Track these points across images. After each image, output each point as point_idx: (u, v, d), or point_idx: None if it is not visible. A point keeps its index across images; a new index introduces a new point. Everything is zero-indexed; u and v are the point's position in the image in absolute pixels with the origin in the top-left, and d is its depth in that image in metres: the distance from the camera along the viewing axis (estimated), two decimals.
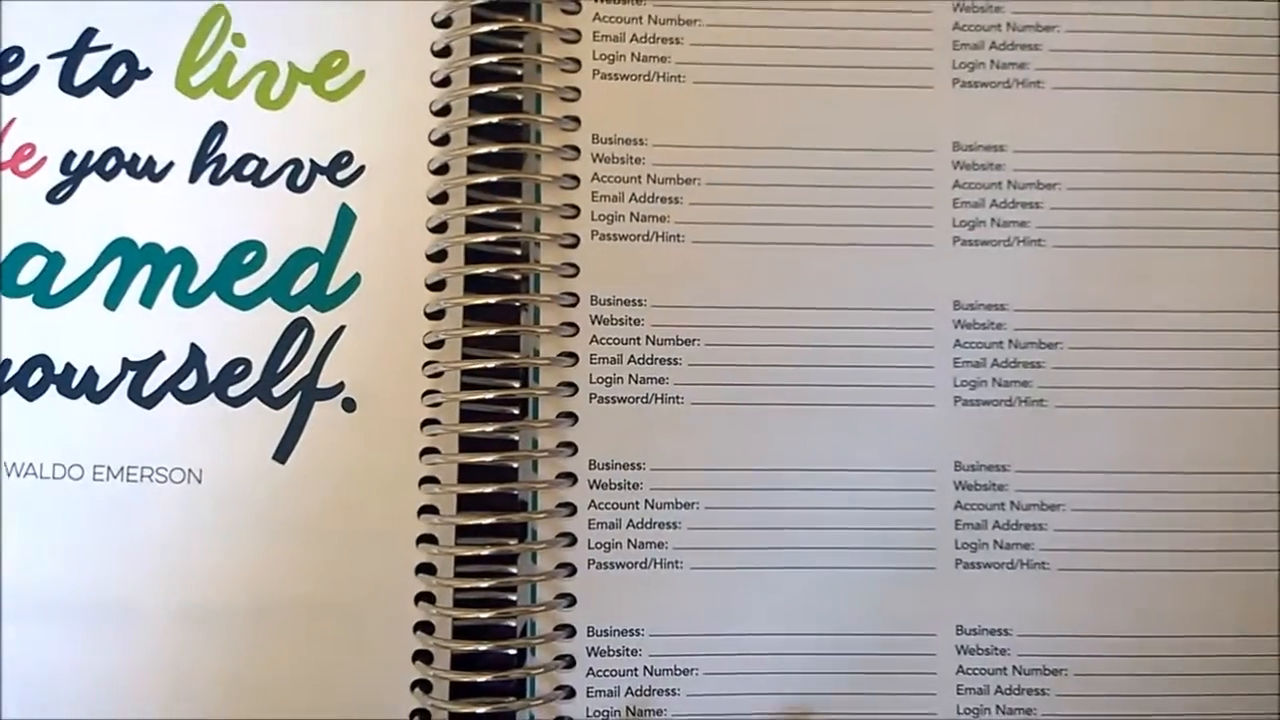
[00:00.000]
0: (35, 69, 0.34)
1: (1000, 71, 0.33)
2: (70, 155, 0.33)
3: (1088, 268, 0.32)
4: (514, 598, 0.32)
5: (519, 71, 0.33)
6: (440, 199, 0.33)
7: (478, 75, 0.33)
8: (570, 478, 0.32)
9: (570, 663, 0.31)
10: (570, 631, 0.31)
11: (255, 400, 0.33)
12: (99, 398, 0.33)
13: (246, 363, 0.33)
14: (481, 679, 0.31)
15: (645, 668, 0.32)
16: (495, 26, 0.33)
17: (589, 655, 0.32)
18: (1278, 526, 0.32)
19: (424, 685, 0.32)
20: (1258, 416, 0.32)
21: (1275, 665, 0.31)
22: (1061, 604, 0.32)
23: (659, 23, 0.33)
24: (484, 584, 0.31)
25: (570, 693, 0.31)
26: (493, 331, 0.32)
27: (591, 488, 0.32)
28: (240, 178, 0.33)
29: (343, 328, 0.33)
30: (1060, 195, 0.33)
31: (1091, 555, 0.32)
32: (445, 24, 0.33)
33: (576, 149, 0.33)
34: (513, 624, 0.32)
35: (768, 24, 0.33)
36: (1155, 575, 0.31)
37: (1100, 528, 0.32)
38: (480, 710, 0.31)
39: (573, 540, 0.31)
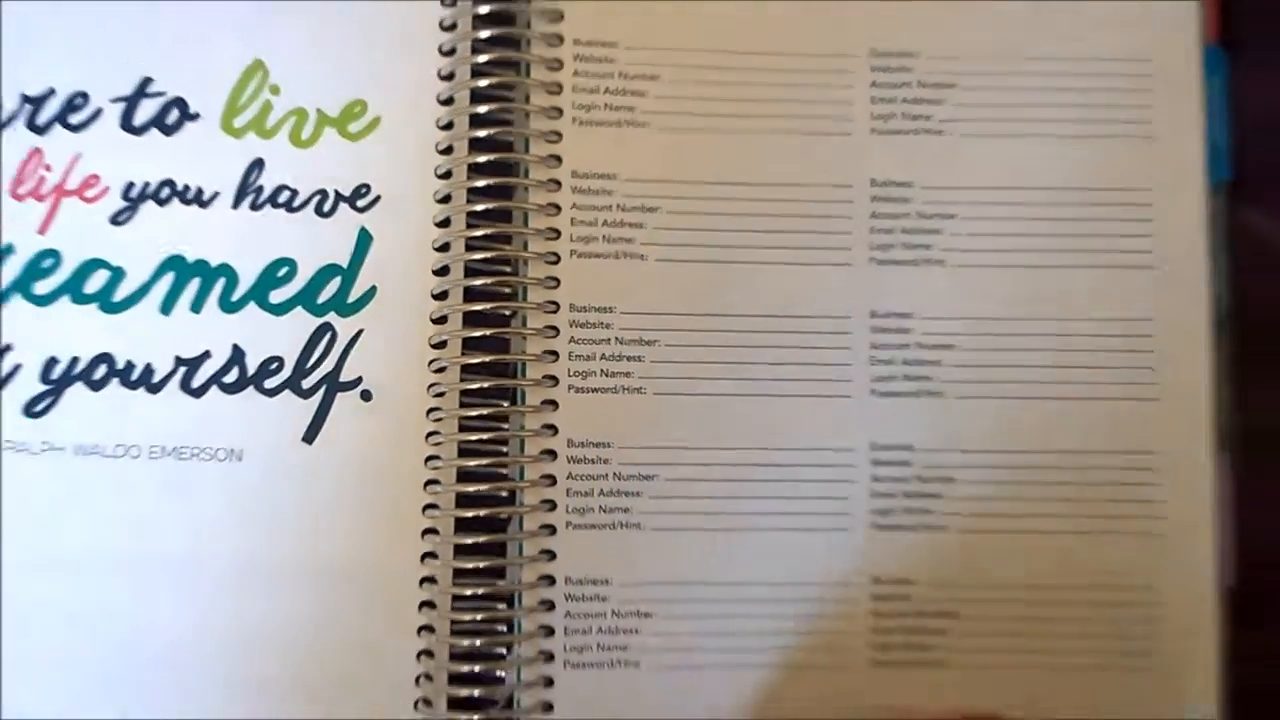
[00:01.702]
0: (99, 111, 0.38)
1: (910, 122, 0.39)
2: (130, 185, 0.38)
3: (980, 284, 0.38)
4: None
5: (510, 118, 0.38)
6: (444, 224, 0.38)
7: (476, 121, 0.38)
8: (551, 454, 0.37)
9: (550, 606, 0.37)
10: (550, 581, 0.37)
11: (287, 391, 0.38)
12: (155, 389, 0.38)
13: (280, 360, 0.38)
14: (478, 617, 0.36)
15: (613, 611, 0.37)
16: (490, 81, 0.38)
17: (566, 600, 0.37)
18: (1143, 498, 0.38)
19: (429, 629, 0.37)
20: (1126, 406, 0.38)
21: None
22: (959, 555, 0.38)
23: (627, 78, 0.39)
24: (481, 538, 0.37)
25: (550, 631, 0.37)
26: (487, 333, 0.38)
27: (569, 462, 0.37)
28: (275, 205, 0.38)
29: (361, 331, 0.38)
30: (958, 224, 0.38)
31: (982, 519, 0.38)
32: (449, 78, 0.38)
33: (558, 182, 0.38)
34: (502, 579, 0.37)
35: (718, 80, 0.39)
36: (1031, 536, 0.38)
37: (989, 495, 0.38)
38: (478, 642, 0.36)
39: (553, 506, 0.37)
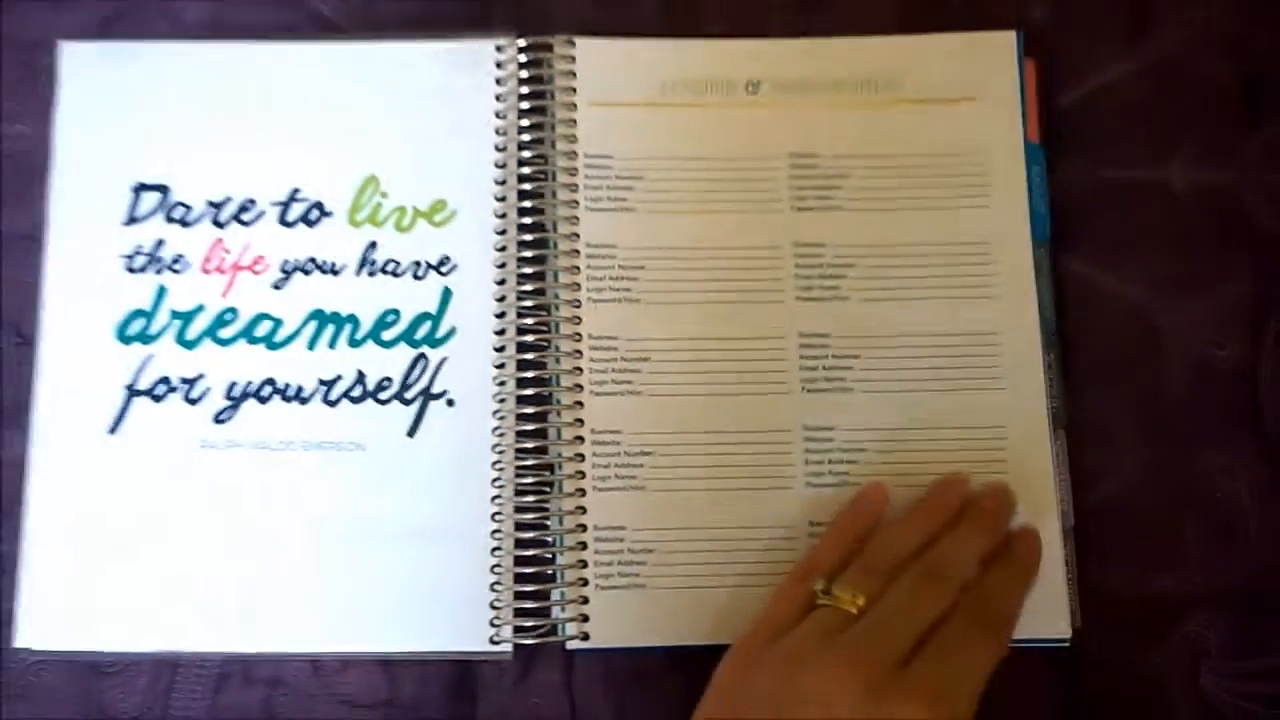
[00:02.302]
0: (262, 212, 0.52)
1: (819, 200, 0.52)
2: (285, 261, 0.52)
3: (879, 312, 0.51)
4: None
5: (543, 207, 0.51)
6: (501, 281, 0.51)
7: (521, 211, 0.51)
8: (580, 439, 0.50)
9: (583, 546, 0.49)
10: (583, 528, 0.50)
11: (395, 401, 0.50)
12: (304, 402, 0.51)
13: (390, 379, 0.51)
14: (530, 553, 0.49)
15: (628, 549, 0.49)
16: (529, 186, 0.52)
17: (594, 542, 0.49)
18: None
19: (497, 568, 0.48)
20: (981, 396, 0.51)
21: None
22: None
23: (621, 177, 0.52)
24: (530, 499, 0.50)
25: (584, 564, 0.49)
26: (531, 356, 0.51)
27: (592, 444, 0.50)
28: (385, 272, 0.52)
29: (445, 358, 0.50)
30: (859, 270, 0.51)
31: (867, 470, 0.50)
32: (502, 183, 0.52)
33: (578, 251, 0.51)
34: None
35: (684, 177, 0.52)
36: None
37: (895, 462, 0.50)
38: (529, 588, 0.49)
39: (583, 475, 0.50)
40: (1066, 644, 0.49)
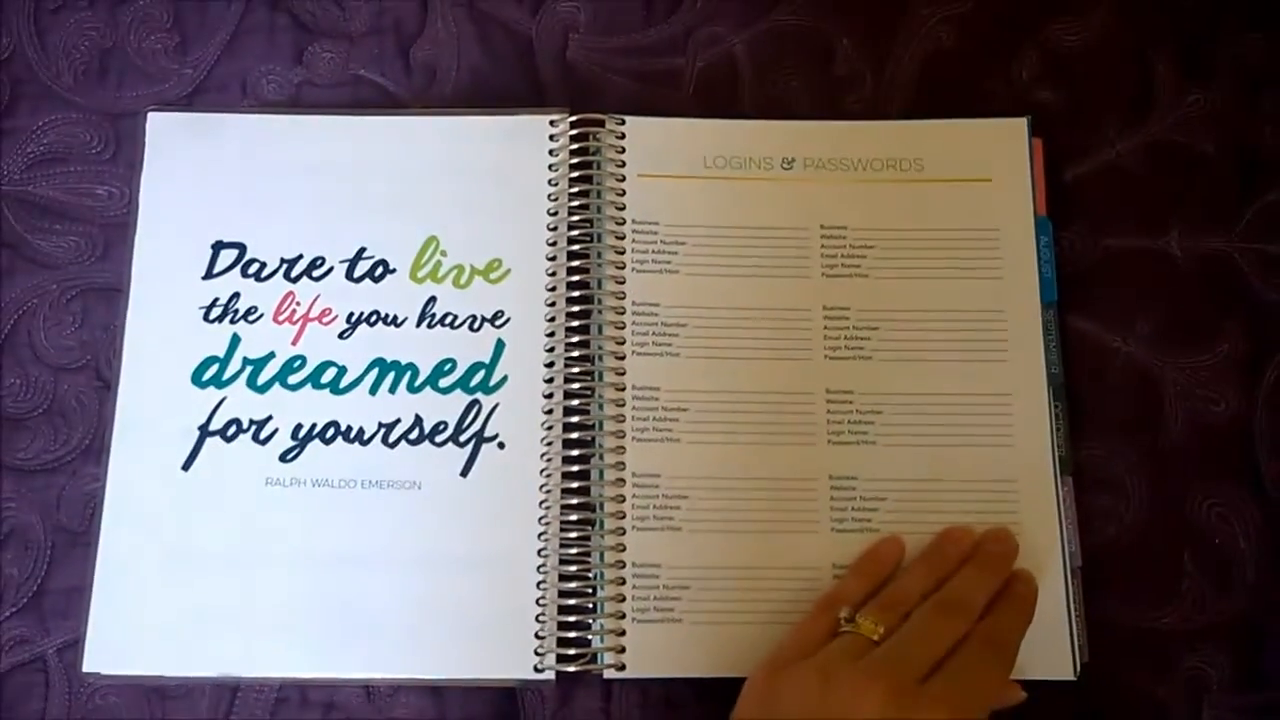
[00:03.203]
0: (332, 268, 0.56)
1: (847, 268, 0.56)
2: (351, 314, 0.55)
3: (899, 374, 0.55)
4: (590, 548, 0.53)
5: (588, 267, 0.55)
6: (550, 334, 0.55)
7: (570, 270, 0.55)
8: (621, 481, 0.53)
9: (622, 582, 0.52)
10: (622, 564, 0.53)
11: (450, 444, 0.54)
12: (365, 443, 0.54)
13: (446, 423, 0.54)
14: (572, 586, 0.52)
15: (663, 585, 0.52)
16: (577, 248, 0.56)
17: (632, 578, 0.52)
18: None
19: (541, 600, 0.51)
20: (992, 451, 0.54)
21: None
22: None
23: (666, 241, 0.56)
24: (574, 535, 0.53)
25: (623, 598, 0.52)
26: (577, 403, 0.54)
27: (633, 486, 0.53)
28: (443, 325, 0.55)
29: (498, 404, 0.54)
30: (883, 333, 0.55)
31: (888, 517, 0.53)
32: (553, 244, 0.56)
33: (623, 309, 0.55)
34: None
35: (723, 243, 0.56)
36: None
37: (899, 509, 0.54)
38: (571, 619, 0.52)
39: (623, 515, 0.53)
40: (1073, 680, 0.52)
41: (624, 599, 0.53)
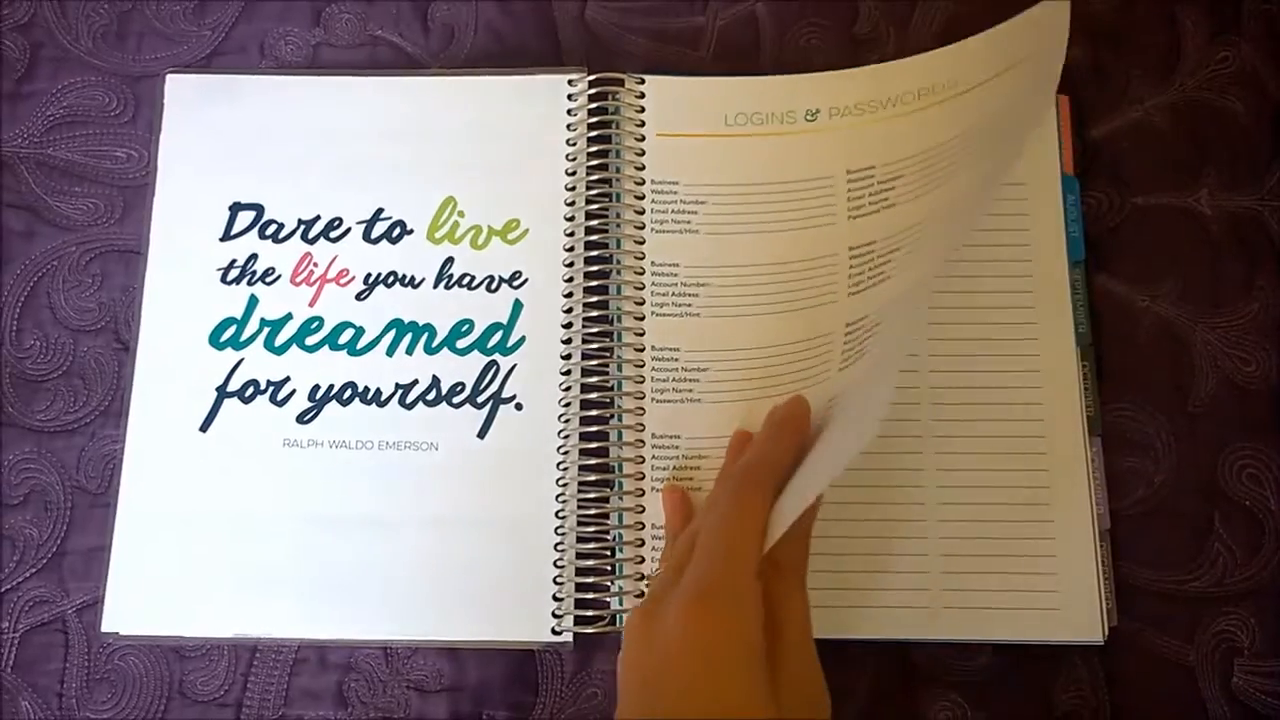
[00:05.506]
0: (349, 229, 0.56)
1: (873, 204, 0.54)
2: (369, 274, 0.55)
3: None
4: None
5: (607, 228, 0.55)
6: (568, 295, 0.55)
7: (588, 230, 0.55)
8: (640, 443, 0.53)
9: (641, 543, 0.52)
10: (641, 525, 0.52)
11: (467, 405, 0.54)
12: (382, 405, 0.54)
13: (463, 384, 0.54)
14: (590, 548, 0.52)
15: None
16: (595, 208, 0.56)
17: (651, 539, 0.52)
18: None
19: (559, 563, 0.51)
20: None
21: None
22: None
23: (686, 201, 0.56)
24: (592, 494, 0.53)
25: (641, 559, 0.52)
26: (595, 364, 0.54)
27: (652, 447, 0.53)
28: (460, 285, 0.55)
29: (515, 364, 0.54)
30: (903, 252, 0.53)
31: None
32: (571, 204, 0.56)
33: (643, 269, 0.55)
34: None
35: (743, 201, 0.55)
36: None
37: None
38: (589, 580, 0.52)
39: (642, 475, 0.53)
40: (1101, 644, 0.51)
41: (642, 560, 0.52)
